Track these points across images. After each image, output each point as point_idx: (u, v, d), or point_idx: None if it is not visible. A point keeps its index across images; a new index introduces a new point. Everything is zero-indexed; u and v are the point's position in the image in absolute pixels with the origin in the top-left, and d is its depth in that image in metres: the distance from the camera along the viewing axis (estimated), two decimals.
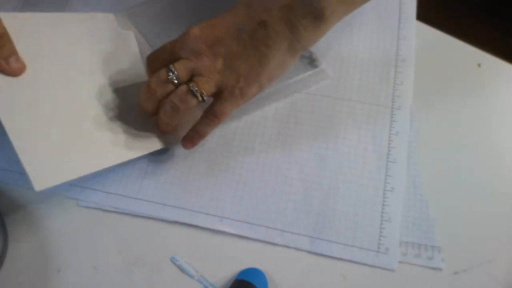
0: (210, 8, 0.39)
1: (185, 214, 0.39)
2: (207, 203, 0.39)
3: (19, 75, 0.37)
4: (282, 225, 0.38)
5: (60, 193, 0.40)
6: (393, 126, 0.41)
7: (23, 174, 0.40)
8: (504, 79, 0.44)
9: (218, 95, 0.36)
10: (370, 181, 0.39)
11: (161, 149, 0.39)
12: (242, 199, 0.39)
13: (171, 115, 0.36)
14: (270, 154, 0.41)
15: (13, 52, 0.36)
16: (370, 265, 0.36)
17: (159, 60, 0.37)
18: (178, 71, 0.34)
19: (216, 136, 0.41)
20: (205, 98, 0.35)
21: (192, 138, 0.38)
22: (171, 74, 0.34)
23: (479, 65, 0.44)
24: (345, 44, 0.45)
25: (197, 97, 0.34)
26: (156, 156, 0.41)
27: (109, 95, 0.40)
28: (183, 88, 0.34)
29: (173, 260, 0.37)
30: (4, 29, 0.36)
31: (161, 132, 0.39)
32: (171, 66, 0.35)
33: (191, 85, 0.34)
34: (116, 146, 0.37)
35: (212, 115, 0.36)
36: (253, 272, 0.36)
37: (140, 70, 0.42)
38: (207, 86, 0.35)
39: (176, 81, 0.35)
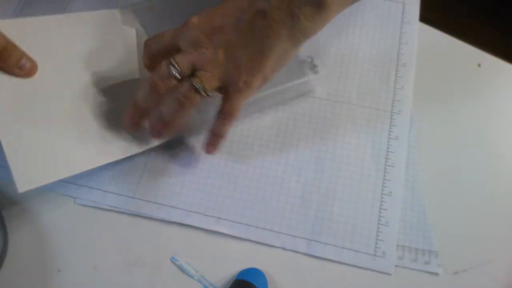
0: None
1: (181, 214, 0.39)
2: (204, 203, 0.39)
3: (34, 75, 0.37)
4: (279, 227, 0.38)
5: (57, 192, 0.40)
6: (392, 131, 0.41)
7: None
8: (504, 79, 0.44)
9: (223, 90, 0.36)
10: (368, 185, 0.39)
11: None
12: (240, 201, 0.39)
13: (175, 111, 0.35)
14: (268, 156, 0.41)
15: (22, 56, 0.37)
16: (366, 269, 0.36)
17: (157, 48, 0.36)
18: (180, 65, 0.34)
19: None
20: (209, 94, 0.34)
21: (212, 141, 0.37)
22: (172, 68, 0.33)
23: (479, 65, 0.44)
24: (346, 47, 0.45)
25: (200, 94, 0.34)
26: (154, 155, 0.41)
27: (101, 95, 0.40)
28: (187, 84, 0.34)
29: (173, 260, 0.37)
30: (5, 40, 0.36)
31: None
32: (172, 59, 0.34)
33: (194, 81, 0.34)
34: (106, 146, 0.37)
35: (225, 114, 0.36)
36: (253, 272, 0.36)
37: (134, 67, 0.42)
38: (210, 82, 0.34)
39: (178, 76, 0.34)
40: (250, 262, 0.37)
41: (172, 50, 0.35)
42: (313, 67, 0.42)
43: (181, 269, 0.37)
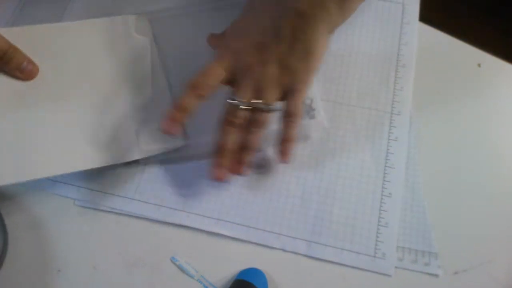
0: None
1: (181, 215, 0.39)
2: (203, 205, 0.39)
3: (35, 77, 0.39)
4: (279, 228, 0.38)
5: (57, 193, 0.40)
6: (392, 132, 0.41)
7: None
8: (504, 79, 0.44)
9: (283, 96, 0.37)
10: (368, 186, 0.39)
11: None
12: (239, 202, 0.39)
13: (254, 137, 0.36)
14: (267, 158, 0.40)
15: (23, 59, 0.38)
16: (366, 270, 0.36)
17: (210, 87, 0.36)
18: (245, 99, 0.35)
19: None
20: (277, 107, 0.36)
21: (286, 148, 0.37)
22: (240, 104, 0.35)
23: (479, 65, 0.44)
24: (345, 47, 0.45)
25: (270, 111, 0.36)
26: (154, 157, 0.41)
27: (101, 100, 0.40)
28: (257, 110, 0.36)
29: (173, 260, 0.37)
30: (7, 43, 0.37)
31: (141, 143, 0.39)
32: (236, 98, 0.36)
33: (261, 105, 0.35)
34: (94, 151, 0.38)
35: (291, 116, 0.36)
36: (253, 272, 0.36)
37: (145, 73, 0.42)
38: (273, 97, 0.36)
39: (248, 107, 0.36)
40: (250, 262, 0.37)
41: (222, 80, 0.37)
42: (311, 111, 0.42)
43: (181, 269, 0.37)
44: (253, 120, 0.36)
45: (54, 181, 0.40)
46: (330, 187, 0.39)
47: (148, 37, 0.44)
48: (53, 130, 0.38)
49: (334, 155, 0.40)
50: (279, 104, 0.37)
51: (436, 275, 0.36)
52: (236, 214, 0.39)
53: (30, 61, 0.38)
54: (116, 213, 0.39)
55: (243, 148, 0.37)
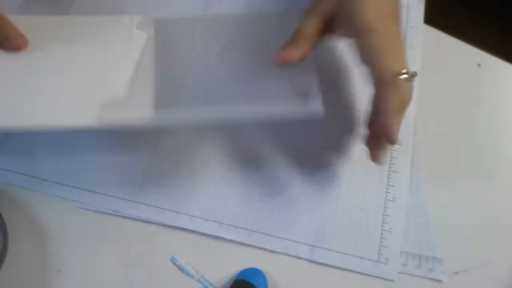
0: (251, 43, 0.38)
1: (184, 219, 0.39)
2: (206, 208, 0.39)
3: (23, 50, 0.38)
4: (282, 232, 0.38)
5: (58, 195, 0.40)
6: None
7: (24, 174, 0.41)
8: (504, 79, 0.44)
9: None
10: (372, 191, 0.39)
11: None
12: (242, 206, 0.39)
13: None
14: (270, 161, 0.40)
15: (11, 30, 0.37)
16: (369, 275, 0.36)
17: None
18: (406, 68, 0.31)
19: (217, 143, 0.41)
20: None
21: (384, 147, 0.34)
22: (408, 76, 0.30)
23: (479, 65, 0.44)
24: (349, 53, 0.45)
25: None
26: (157, 159, 0.40)
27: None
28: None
29: (173, 260, 0.37)
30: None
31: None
32: (403, 70, 0.30)
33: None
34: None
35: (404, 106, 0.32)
36: (253, 272, 0.36)
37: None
38: None
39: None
40: (250, 262, 0.37)
41: None
42: (306, 96, 0.37)
43: (181, 269, 0.37)
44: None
45: (55, 182, 0.40)
46: (333, 191, 0.39)
47: (149, 38, 0.43)
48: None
49: (337, 159, 0.40)
50: None
51: (440, 281, 0.36)
52: (239, 218, 0.38)
53: (20, 34, 0.37)
54: (117, 214, 0.39)
55: None
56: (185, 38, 0.43)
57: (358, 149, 0.40)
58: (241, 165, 0.40)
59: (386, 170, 0.40)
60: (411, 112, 0.42)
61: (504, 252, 0.37)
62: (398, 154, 0.40)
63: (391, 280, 0.36)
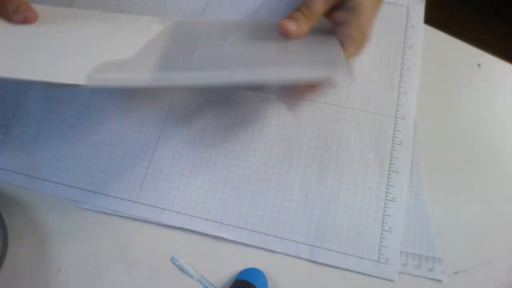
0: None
1: (184, 219, 0.39)
2: (206, 208, 0.39)
3: (32, 23, 0.38)
4: (281, 232, 0.38)
5: (58, 195, 0.40)
6: (396, 136, 0.41)
7: (24, 174, 0.41)
8: (504, 79, 0.44)
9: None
10: (372, 191, 0.39)
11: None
12: (242, 206, 0.39)
13: None
14: (271, 161, 0.40)
15: (21, 3, 0.37)
16: (369, 275, 0.36)
17: None
18: None
19: (217, 143, 0.41)
20: None
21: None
22: None
23: (479, 65, 0.44)
24: None
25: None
26: (156, 159, 0.40)
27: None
28: None
29: (173, 260, 0.37)
30: None
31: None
32: None
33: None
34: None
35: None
36: (253, 272, 0.36)
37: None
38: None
39: None
40: (250, 262, 0.37)
41: None
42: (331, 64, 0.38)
43: (181, 269, 0.37)
44: None
45: (56, 183, 0.40)
46: (333, 191, 0.39)
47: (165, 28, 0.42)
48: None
49: (337, 159, 0.40)
50: None
51: (440, 281, 0.36)
52: (239, 218, 0.38)
53: (29, 7, 0.38)
54: (117, 214, 0.39)
55: None
56: (201, 31, 0.42)
57: (360, 149, 0.40)
58: (240, 165, 0.40)
59: (386, 170, 0.40)
60: (411, 112, 0.42)
61: (504, 252, 0.37)
62: (398, 154, 0.40)
63: (391, 280, 0.36)
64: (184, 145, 0.41)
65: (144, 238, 0.38)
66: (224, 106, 0.43)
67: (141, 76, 0.35)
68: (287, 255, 0.37)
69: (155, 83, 0.34)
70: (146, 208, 0.39)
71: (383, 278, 0.36)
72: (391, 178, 0.39)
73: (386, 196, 0.39)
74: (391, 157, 0.40)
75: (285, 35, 0.36)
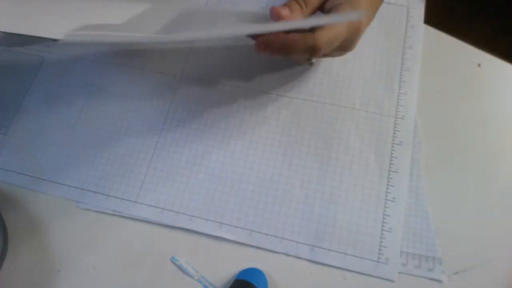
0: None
1: (184, 219, 0.39)
2: (206, 208, 0.39)
3: None
4: (281, 232, 0.38)
5: (58, 195, 0.40)
6: (396, 136, 0.41)
7: (24, 174, 0.41)
8: (504, 79, 0.44)
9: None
10: (372, 191, 0.39)
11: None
12: (242, 206, 0.39)
13: None
14: (271, 161, 0.40)
15: None
16: (369, 275, 0.36)
17: None
18: None
19: (217, 142, 0.41)
20: None
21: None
22: None
23: (479, 65, 0.44)
24: (349, 52, 0.45)
25: None
26: (156, 159, 0.40)
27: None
28: None
29: (173, 260, 0.37)
30: None
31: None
32: None
33: None
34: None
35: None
36: (253, 272, 0.36)
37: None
38: None
39: None
40: (250, 262, 0.37)
41: None
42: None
43: (181, 269, 0.37)
44: None
45: (56, 183, 0.40)
46: (333, 191, 0.39)
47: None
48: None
49: (337, 159, 0.40)
50: None
51: (440, 281, 0.36)
52: (239, 218, 0.38)
53: None
54: (117, 214, 0.39)
55: None
56: (197, 15, 0.41)
57: (360, 149, 0.40)
58: (240, 165, 0.40)
59: (386, 170, 0.40)
60: (411, 112, 0.42)
61: (504, 252, 0.37)
62: (398, 154, 0.40)
63: (391, 280, 0.36)
64: (184, 145, 0.41)
65: (145, 237, 0.38)
66: (224, 106, 0.43)
67: (116, 33, 0.35)
68: (287, 255, 0.37)
69: (127, 39, 0.34)
70: (146, 208, 0.39)
71: (383, 278, 0.36)
72: (391, 178, 0.39)
73: (386, 196, 0.39)
74: (391, 157, 0.40)
75: (276, 18, 0.34)
